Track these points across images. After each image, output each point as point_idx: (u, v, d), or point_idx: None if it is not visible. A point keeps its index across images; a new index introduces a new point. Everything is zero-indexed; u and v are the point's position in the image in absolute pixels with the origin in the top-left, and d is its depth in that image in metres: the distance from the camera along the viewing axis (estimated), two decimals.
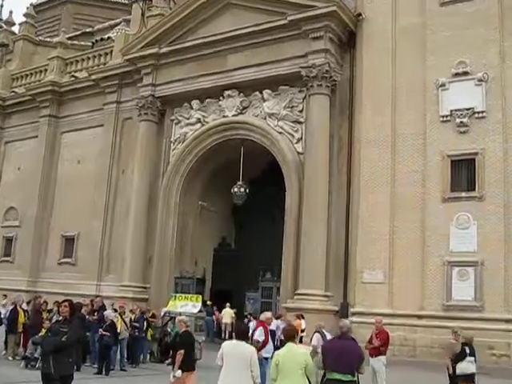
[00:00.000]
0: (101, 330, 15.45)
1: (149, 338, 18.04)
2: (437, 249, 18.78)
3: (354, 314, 19.56)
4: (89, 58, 31.27)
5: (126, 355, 16.61)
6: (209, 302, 24.32)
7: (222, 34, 23.82)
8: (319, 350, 10.53)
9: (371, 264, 19.83)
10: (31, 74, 33.81)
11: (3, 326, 16.83)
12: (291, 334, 8.03)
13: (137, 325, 17.34)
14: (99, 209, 27.28)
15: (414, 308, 18.89)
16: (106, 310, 16.79)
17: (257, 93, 23.62)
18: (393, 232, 19.72)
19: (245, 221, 27.33)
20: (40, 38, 37.58)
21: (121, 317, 16.50)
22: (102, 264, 26.66)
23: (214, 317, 24.33)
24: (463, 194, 18.86)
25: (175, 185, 25.18)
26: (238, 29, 23.35)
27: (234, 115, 24.13)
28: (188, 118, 25.44)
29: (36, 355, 14.66)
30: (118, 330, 15.93)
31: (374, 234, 19.92)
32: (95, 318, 16.44)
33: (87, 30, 38.85)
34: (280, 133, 22.72)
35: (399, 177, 20.02)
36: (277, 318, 18.94)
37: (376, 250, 19.79)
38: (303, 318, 18.64)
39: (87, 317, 16.14)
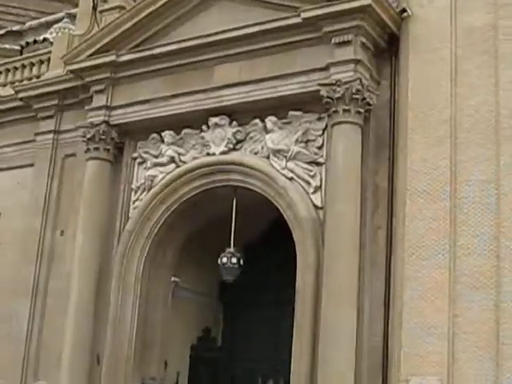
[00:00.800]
0: None
1: None
2: None
3: None
4: (16, 69, 31.47)
5: None
6: None
7: (207, 36, 24.02)
8: None
9: (421, 369, 19.52)
10: None
11: None
12: None
13: None
14: (26, 284, 27.17)
15: None
16: None
17: (256, 121, 23.70)
18: (453, 323, 19.48)
19: (237, 305, 27.21)
20: None
21: None
22: (28, 365, 26.42)
23: None
24: None
25: (137, 252, 25.04)
26: (229, 30, 23.54)
27: (222, 152, 24.15)
28: (157, 156, 25.50)
29: None
30: None
31: (426, 326, 19.68)
32: None
33: (14, 28, 39.26)
34: (290, 178, 22.69)
35: (462, 244, 19.87)
36: None
37: (429, 348, 19.52)
38: None
39: None
